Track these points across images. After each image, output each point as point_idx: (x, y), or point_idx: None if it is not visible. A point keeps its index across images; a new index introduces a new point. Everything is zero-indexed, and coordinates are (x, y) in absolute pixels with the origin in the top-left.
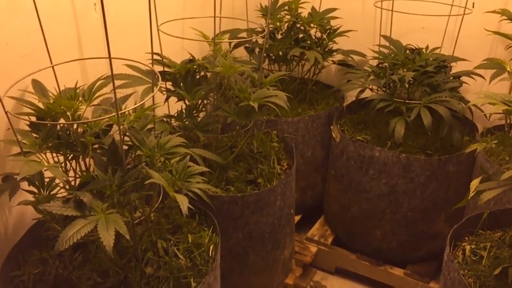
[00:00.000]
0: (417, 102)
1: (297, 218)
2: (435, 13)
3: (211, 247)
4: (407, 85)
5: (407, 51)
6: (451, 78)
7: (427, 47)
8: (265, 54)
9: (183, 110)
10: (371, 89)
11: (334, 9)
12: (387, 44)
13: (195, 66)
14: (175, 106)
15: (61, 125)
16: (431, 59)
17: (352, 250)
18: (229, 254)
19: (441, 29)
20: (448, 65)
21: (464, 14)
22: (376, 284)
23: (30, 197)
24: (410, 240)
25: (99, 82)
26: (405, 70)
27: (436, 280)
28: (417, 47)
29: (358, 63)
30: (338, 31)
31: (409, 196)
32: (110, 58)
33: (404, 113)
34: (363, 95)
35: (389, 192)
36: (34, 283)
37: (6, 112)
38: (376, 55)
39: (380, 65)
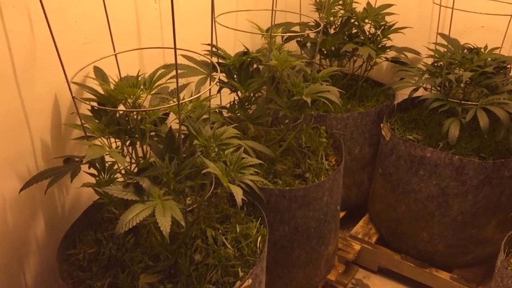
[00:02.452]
0: (473, 103)
1: (341, 214)
2: (496, 12)
3: (259, 239)
4: (463, 85)
5: (465, 50)
6: (511, 80)
7: (486, 47)
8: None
9: (235, 102)
10: (425, 88)
11: (390, 5)
12: (444, 42)
13: (249, 59)
14: (226, 97)
15: (121, 111)
16: (489, 59)
17: (396, 251)
18: (274, 247)
19: (502, 29)
20: (507, 66)
21: None
22: (420, 286)
23: (87, 179)
24: (458, 244)
25: (160, 71)
26: (462, 70)
27: (483, 286)
28: (475, 46)
29: (411, 61)
30: (393, 27)
31: (460, 199)
32: (175, 48)
33: (459, 114)
34: (414, 94)
35: (439, 194)
36: (89, 262)
37: (73, 97)
38: (432, 53)
39: (436, 64)
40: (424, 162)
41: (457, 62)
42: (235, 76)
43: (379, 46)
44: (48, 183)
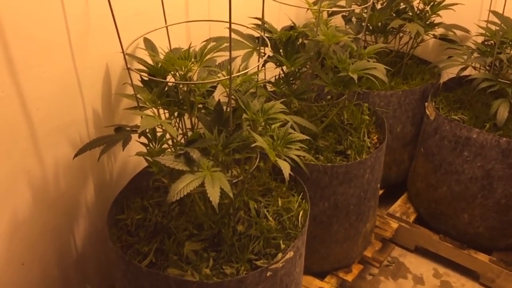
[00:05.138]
0: None
1: (379, 192)
2: None
3: (300, 213)
4: None
5: None
6: None
7: None
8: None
9: (281, 77)
10: (474, 68)
11: None
12: (496, 20)
13: (295, 34)
14: (269, 71)
15: (171, 83)
16: None
17: (434, 230)
18: (313, 222)
19: None
20: None
21: None
22: (457, 268)
23: (135, 148)
24: (500, 227)
25: (210, 44)
26: None
27: None
28: None
29: (460, 38)
30: (443, 3)
31: (504, 182)
32: (230, 22)
33: (509, 95)
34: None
35: (483, 176)
36: (136, 228)
37: (128, 68)
38: (482, 31)
39: (486, 43)
40: (470, 143)
41: (509, 41)
42: (281, 50)
43: (427, 22)
44: (101, 150)
